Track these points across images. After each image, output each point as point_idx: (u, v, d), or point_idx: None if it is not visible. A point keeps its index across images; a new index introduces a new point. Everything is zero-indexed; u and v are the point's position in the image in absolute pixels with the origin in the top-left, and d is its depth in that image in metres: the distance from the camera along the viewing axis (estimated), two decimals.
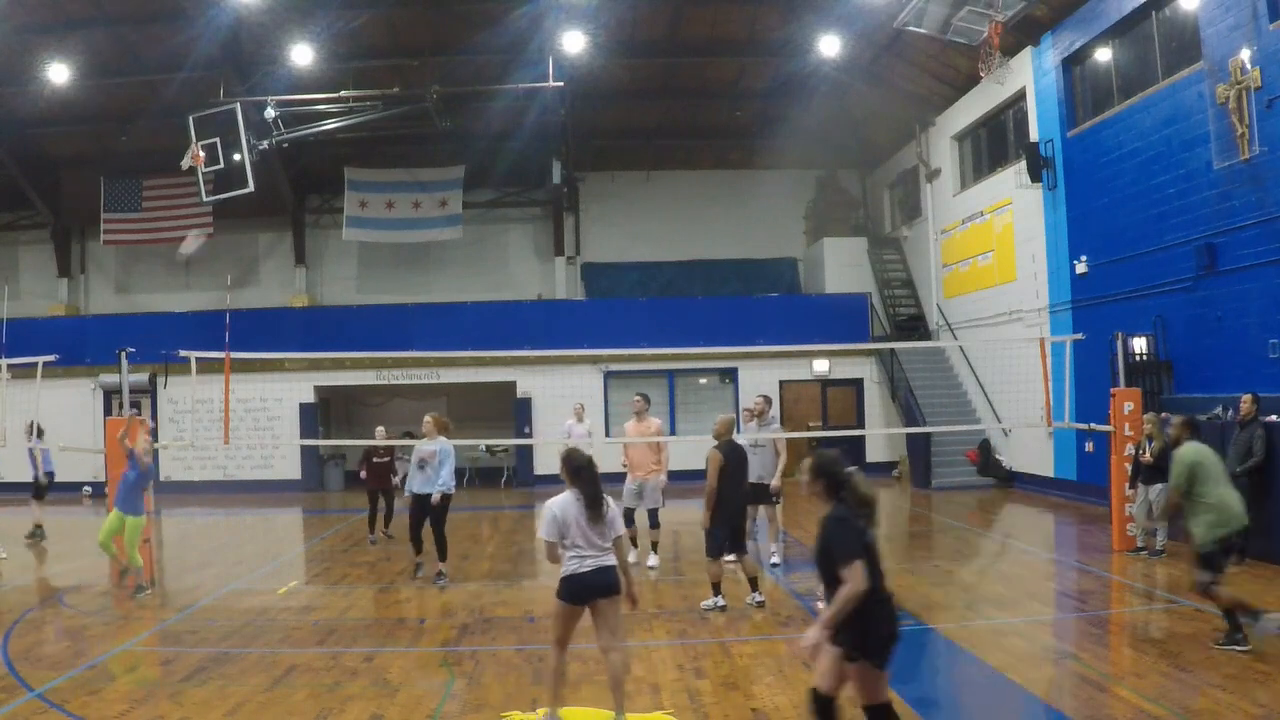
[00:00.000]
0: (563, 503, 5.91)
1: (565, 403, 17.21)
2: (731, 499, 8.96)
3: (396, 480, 13.76)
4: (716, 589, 9.09)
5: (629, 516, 10.95)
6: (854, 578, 4.56)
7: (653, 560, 11.42)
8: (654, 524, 11.58)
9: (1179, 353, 13.86)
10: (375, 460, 13.85)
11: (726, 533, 8.95)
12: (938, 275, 21.96)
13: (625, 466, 11.75)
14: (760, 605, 9.10)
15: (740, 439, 10.13)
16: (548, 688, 6.05)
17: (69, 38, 19.52)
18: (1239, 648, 7.14)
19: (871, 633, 4.69)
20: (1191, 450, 7.59)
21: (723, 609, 8.99)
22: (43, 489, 14.75)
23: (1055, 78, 16.51)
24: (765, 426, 11.16)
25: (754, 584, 9.19)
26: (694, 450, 18.43)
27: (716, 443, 9.13)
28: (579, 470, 5.97)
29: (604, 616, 5.91)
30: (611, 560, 5.92)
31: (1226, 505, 7.37)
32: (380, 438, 13.96)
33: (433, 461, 10.68)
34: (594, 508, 5.88)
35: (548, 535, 5.91)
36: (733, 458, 9.06)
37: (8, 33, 18.85)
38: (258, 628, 8.75)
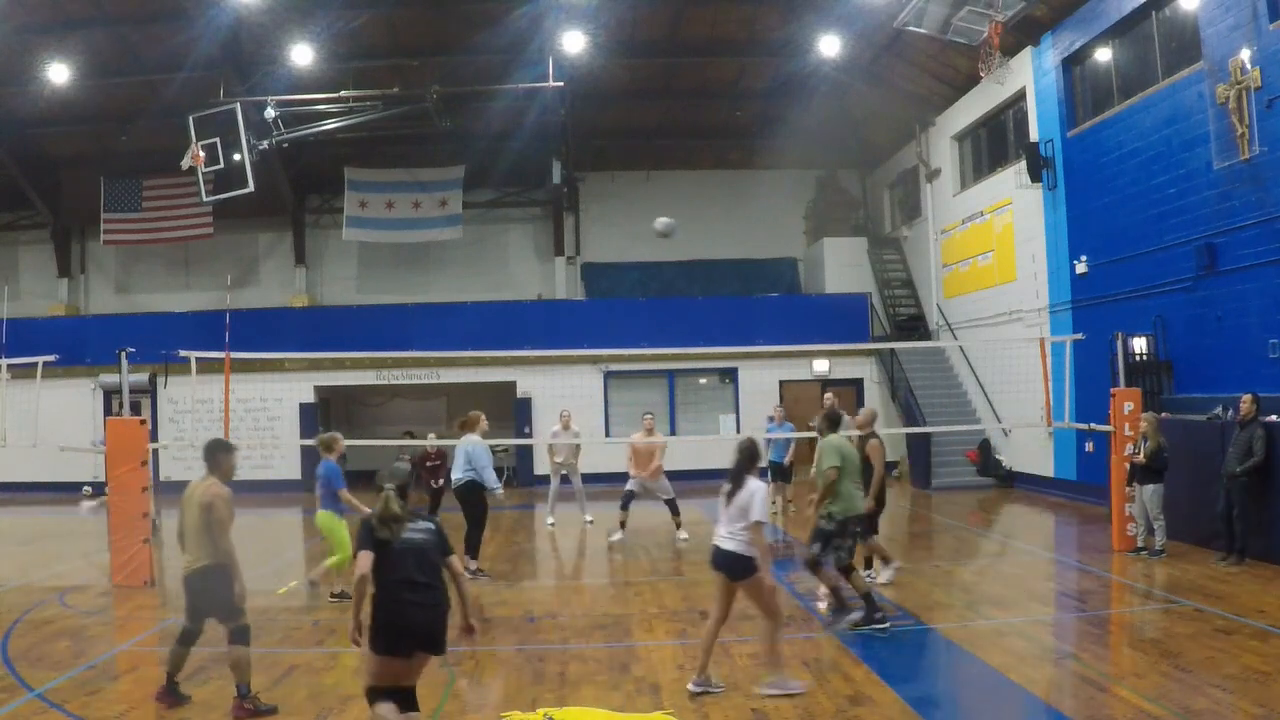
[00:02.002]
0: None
1: (566, 403, 17.22)
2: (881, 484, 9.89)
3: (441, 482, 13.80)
4: (885, 559, 9.98)
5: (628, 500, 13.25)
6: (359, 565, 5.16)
7: (617, 535, 13.10)
8: (675, 511, 13.29)
9: (1179, 353, 13.86)
10: (428, 464, 13.81)
11: (879, 515, 9.94)
12: (938, 275, 21.96)
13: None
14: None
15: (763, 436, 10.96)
16: (701, 660, 6.66)
17: (69, 38, 19.51)
18: (878, 626, 8.05)
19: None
20: (839, 440, 8.62)
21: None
22: None
23: (1055, 78, 16.50)
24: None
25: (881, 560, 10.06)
26: (694, 451, 18.61)
27: (871, 433, 9.96)
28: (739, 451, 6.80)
29: (722, 591, 6.72)
30: (730, 543, 6.57)
31: (851, 495, 8.40)
32: (432, 441, 14.02)
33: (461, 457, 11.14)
34: (730, 491, 6.64)
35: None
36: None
37: (8, 33, 18.85)
38: (258, 628, 8.67)
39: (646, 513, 14.30)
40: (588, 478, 15.44)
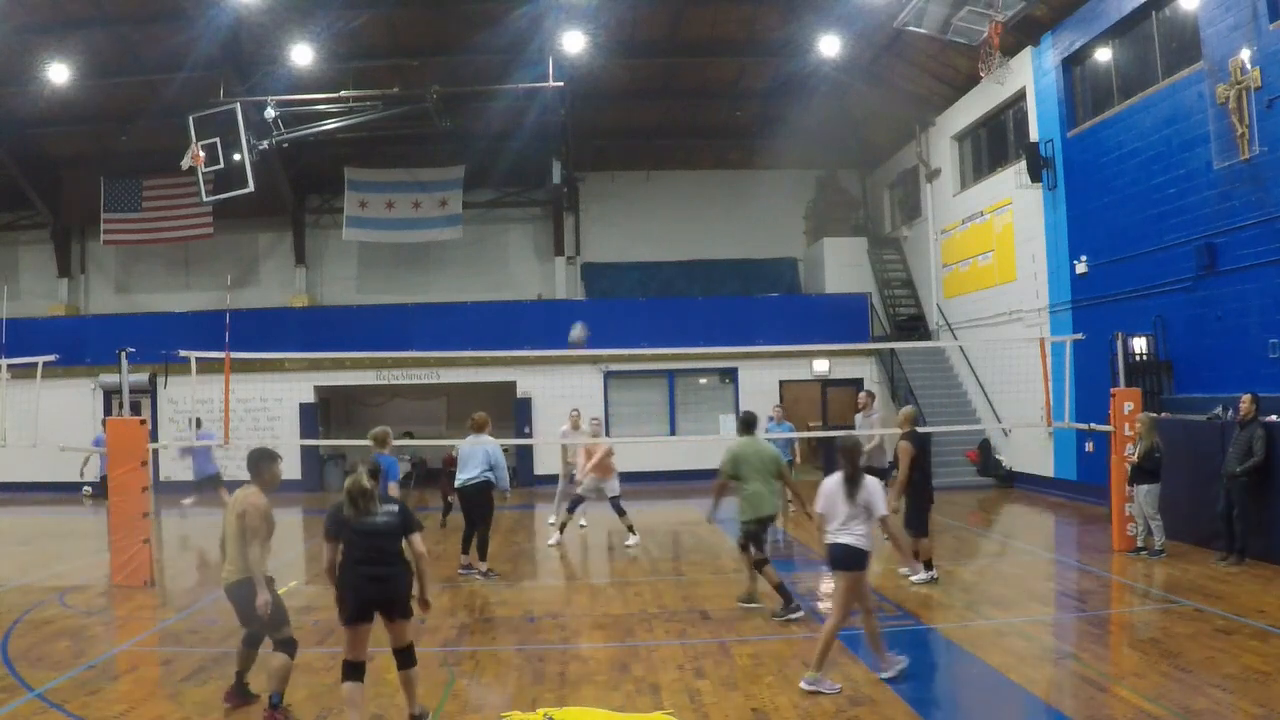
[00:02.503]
0: (832, 481, 6.93)
1: (565, 403, 17.22)
2: (924, 484, 10.07)
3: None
4: (928, 564, 10.02)
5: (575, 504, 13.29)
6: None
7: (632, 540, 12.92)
8: (620, 512, 13.11)
9: (1179, 353, 13.86)
10: (449, 471, 13.77)
11: (928, 513, 10.03)
12: (938, 275, 21.97)
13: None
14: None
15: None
16: (817, 655, 6.68)
17: (69, 38, 19.51)
18: (792, 615, 8.53)
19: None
20: (742, 443, 9.13)
21: (934, 580, 9.96)
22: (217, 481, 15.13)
23: (1055, 78, 16.51)
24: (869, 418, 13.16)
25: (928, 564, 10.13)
26: (695, 451, 18.61)
27: (904, 433, 10.21)
28: (842, 454, 6.96)
29: (848, 586, 6.81)
30: (852, 538, 6.76)
31: (759, 498, 8.90)
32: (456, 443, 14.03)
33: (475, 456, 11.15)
34: (850, 485, 6.81)
35: (820, 509, 6.95)
36: (922, 446, 10.16)
37: (8, 33, 18.86)
38: None
39: (649, 513, 14.28)
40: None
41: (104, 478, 14.83)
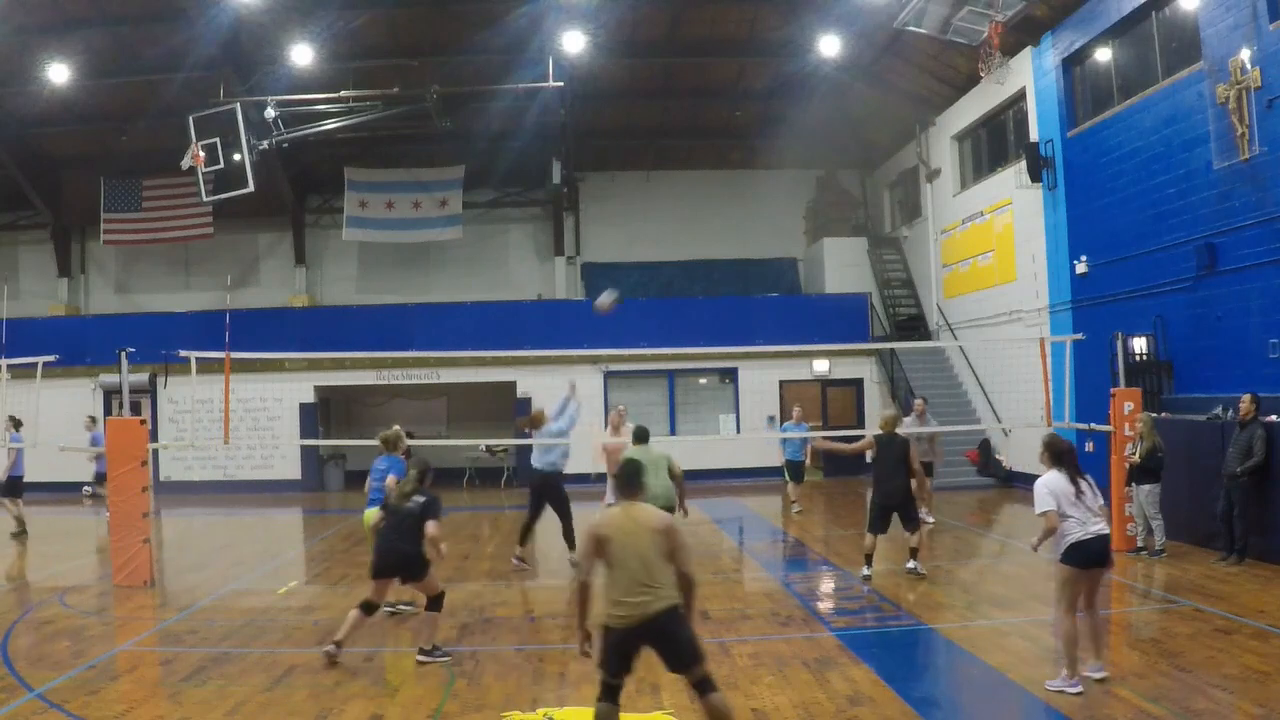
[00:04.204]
0: (1053, 480, 6.70)
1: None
2: (884, 482, 10.38)
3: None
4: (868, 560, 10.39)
5: None
6: None
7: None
8: None
9: (1179, 353, 13.86)
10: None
11: (878, 512, 10.33)
12: (938, 275, 21.97)
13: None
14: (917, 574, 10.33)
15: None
16: (1067, 656, 6.48)
17: (69, 38, 19.50)
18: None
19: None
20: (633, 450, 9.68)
21: (867, 579, 10.25)
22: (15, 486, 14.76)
23: (1055, 78, 16.50)
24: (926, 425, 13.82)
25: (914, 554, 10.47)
26: (695, 451, 18.61)
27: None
28: (1062, 454, 6.81)
29: (1094, 583, 6.74)
30: (1106, 529, 6.70)
31: (655, 495, 9.02)
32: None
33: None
34: (1076, 484, 6.67)
35: (1049, 507, 6.62)
36: (888, 447, 10.44)
37: (8, 33, 18.85)
38: (258, 628, 8.75)
39: None
40: (585, 479, 15.29)
41: (99, 474, 14.83)
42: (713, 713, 5.13)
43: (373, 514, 9.03)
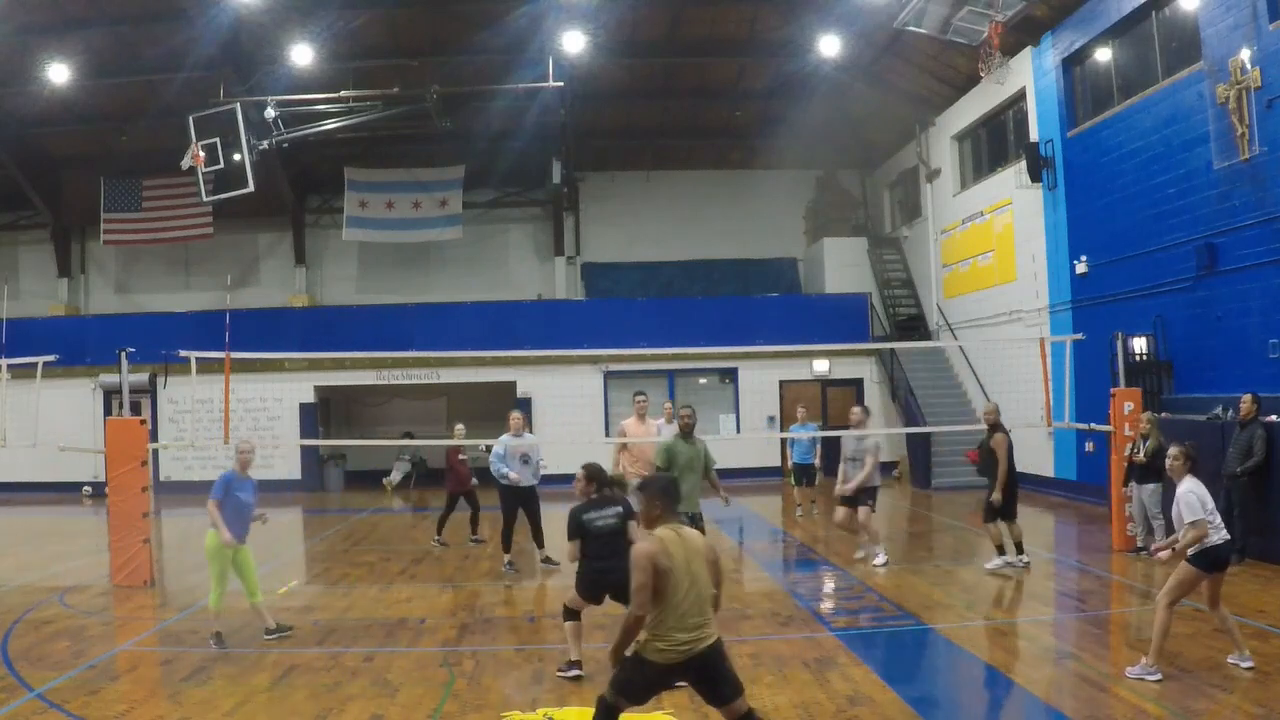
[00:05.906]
0: (1199, 489, 6.74)
1: (565, 403, 17.20)
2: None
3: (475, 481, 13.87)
4: (1001, 549, 10.65)
5: None
6: None
7: None
8: None
9: (1179, 353, 13.86)
10: (461, 458, 13.76)
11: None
12: (938, 275, 21.96)
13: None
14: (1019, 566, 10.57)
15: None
16: (1155, 646, 6.63)
17: (69, 38, 19.49)
18: None
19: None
20: (669, 441, 9.19)
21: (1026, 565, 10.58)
22: None
23: (1055, 78, 16.50)
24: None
25: (1019, 547, 10.72)
26: None
27: (996, 425, 10.74)
28: (1197, 462, 6.92)
29: (1217, 585, 6.85)
30: (1228, 535, 6.85)
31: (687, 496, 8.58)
32: (459, 435, 13.83)
33: (535, 454, 11.73)
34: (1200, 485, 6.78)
35: (1201, 515, 6.62)
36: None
37: (8, 33, 18.84)
38: (258, 628, 8.73)
39: None
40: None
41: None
42: None
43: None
